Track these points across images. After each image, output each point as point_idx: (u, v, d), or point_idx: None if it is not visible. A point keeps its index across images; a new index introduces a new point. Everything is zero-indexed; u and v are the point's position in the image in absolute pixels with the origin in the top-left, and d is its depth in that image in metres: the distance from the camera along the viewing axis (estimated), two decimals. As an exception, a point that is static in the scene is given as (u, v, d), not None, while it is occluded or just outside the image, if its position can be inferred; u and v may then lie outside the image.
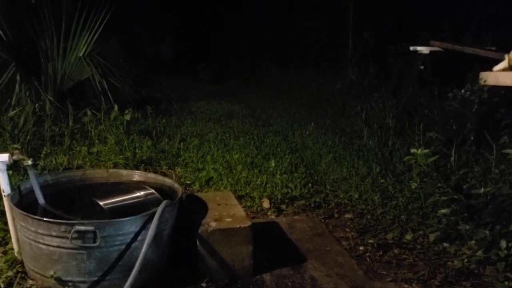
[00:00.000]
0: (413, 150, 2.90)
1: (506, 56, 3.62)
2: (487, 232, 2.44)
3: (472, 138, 3.50)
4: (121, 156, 3.84)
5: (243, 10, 10.71)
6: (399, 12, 7.09)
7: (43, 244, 1.98)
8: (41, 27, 4.86)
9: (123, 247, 2.00)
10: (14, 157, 2.19)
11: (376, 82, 5.69)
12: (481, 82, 3.59)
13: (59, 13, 4.93)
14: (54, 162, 3.64)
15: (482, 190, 2.55)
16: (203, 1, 10.96)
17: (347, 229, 2.95)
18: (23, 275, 2.16)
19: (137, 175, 2.65)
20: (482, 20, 5.87)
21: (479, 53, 4.52)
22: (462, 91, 3.63)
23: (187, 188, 3.43)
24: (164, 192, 2.43)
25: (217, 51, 10.69)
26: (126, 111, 4.64)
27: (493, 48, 4.65)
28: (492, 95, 3.59)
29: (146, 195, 2.37)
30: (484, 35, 5.37)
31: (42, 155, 3.73)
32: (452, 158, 3.37)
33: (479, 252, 2.43)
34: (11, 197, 2.17)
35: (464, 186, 2.75)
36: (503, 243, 2.36)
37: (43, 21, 4.84)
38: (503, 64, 3.63)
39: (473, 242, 2.51)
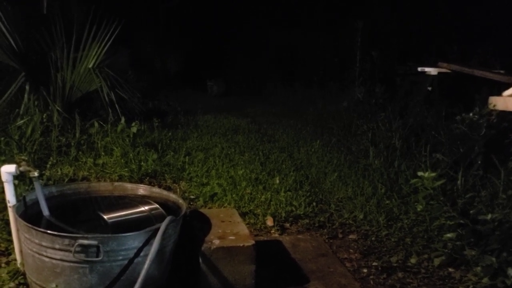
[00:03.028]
0: (420, 173, 2.89)
1: (516, 81, 3.62)
2: (493, 259, 2.41)
3: (479, 161, 3.48)
4: (126, 169, 3.84)
5: (250, 27, 10.80)
6: (407, 33, 7.13)
7: (46, 256, 1.97)
8: (52, 38, 4.91)
9: (125, 262, 1.98)
10: (21, 168, 2.20)
11: (383, 101, 5.69)
12: (491, 107, 3.58)
13: (70, 25, 4.99)
14: (59, 173, 3.65)
15: (489, 216, 2.52)
16: (212, 18, 11.06)
17: (351, 250, 2.92)
18: (25, 287, 2.15)
19: (142, 189, 2.64)
20: (488, 44, 5.89)
21: (488, 76, 4.52)
22: (470, 114, 3.61)
23: (191, 203, 3.42)
24: (168, 207, 2.42)
25: (225, 67, 10.75)
26: (133, 124, 4.65)
27: (502, 72, 4.65)
28: (501, 119, 3.57)
29: (150, 210, 2.36)
30: (490, 59, 5.39)
31: (48, 165, 3.74)
32: (459, 182, 3.34)
33: (485, 279, 2.40)
34: (16, 208, 2.17)
35: (471, 211, 2.72)
36: (510, 271, 2.33)
37: (54, 32, 4.90)
38: (513, 89, 3.62)
39: (479, 268, 2.48)
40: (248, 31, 10.77)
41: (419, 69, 5.36)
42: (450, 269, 2.66)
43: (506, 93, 3.64)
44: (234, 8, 11.01)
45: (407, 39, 7.09)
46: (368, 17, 7.47)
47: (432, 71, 5.26)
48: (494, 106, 3.57)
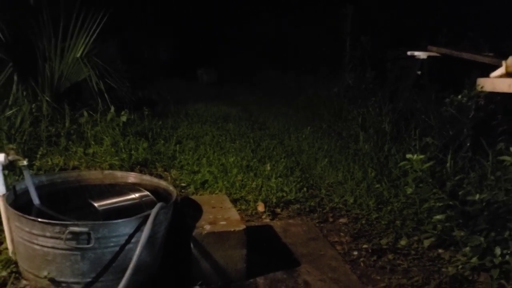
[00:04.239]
0: (409, 156, 2.91)
1: (504, 63, 3.63)
2: (482, 239, 2.45)
3: (468, 144, 3.51)
4: (116, 158, 3.83)
5: (241, 14, 10.72)
6: (397, 17, 7.12)
7: (37, 244, 1.97)
8: (39, 27, 4.84)
9: (117, 248, 1.99)
10: (10, 157, 2.19)
11: (373, 86, 5.70)
12: (478, 88, 3.61)
13: (57, 13, 4.92)
14: (50, 163, 3.64)
15: (477, 196, 2.56)
16: (202, 6, 10.96)
17: (342, 234, 2.95)
18: (17, 275, 2.16)
19: (132, 177, 2.64)
20: (479, 27, 5.91)
21: (476, 58, 4.54)
22: (459, 97, 3.64)
23: (182, 191, 3.43)
24: (159, 194, 2.43)
25: (215, 55, 10.68)
26: (123, 113, 4.63)
27: (490, 54, 4.67)
28: (489, 101, 3.60)
29: (140, 197, 2.37)
30: (481, 42, 5.40)
31: (38, 156, 3.72)
32: (448, 164, 3.37)
33: (474, 259, 2.43)
34: (6, 197, 2.16)
35: (460, 193, 2.76)
36: (498, 250, 2.36)
37: (41, 21, 4.83)
38: (500, 70, 3.64)
39: (467, 248, 2.52)
40: (239, 19, 10.70)
41: (409, 53, 5.37)
42: (439, 250, 2.70)
43: (494, 74, 3.66)
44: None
45: (398, 24, 7.08)
46: (358, 2, 7.45)
47: (421, 55, 5.27)
48: (482, 87, 3.60)
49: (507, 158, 2.66)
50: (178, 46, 11.19)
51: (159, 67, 10.02)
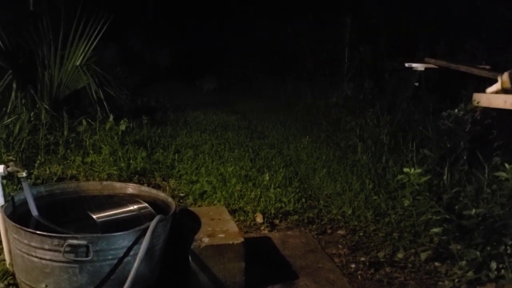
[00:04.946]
0: (406, 170, 2.93)
1: (499, 78, 3.66)
2: (477, 253, 2.46)
3: (465, 157, 3.53)
4: (115, 167, 3.84)
5: (241, 22, 10.78)
6: (395, 29, 7.17)
7: (36, 257, 1.97)
8: (39, 35, 4.87)
9: (115, 261, 2.00)
10: (9, 169, 2.20)
11: (371, 97, 5.73)
12: (474, 103, 3.63)
13: (57, 22, 4.95)
14: (48, 172, 3.65)
15: (473, 211, 2.57)
16: (202, 13, 11.01)
17: (340, 246, 2.96)
18: (14, 287, 2.15)
19: (130, 188, 2.65)
20: (476, 38, 5.95)
21: (473, 71, 4.57)
22: (456, 110, 3.66)
23: (181, 201, 3.43)
24: (158, 206, 2.43)
25: (215, 62, 10.72)
26: (122, 121, 4.64)
27: (487, 67, 4.70)
28: (485, 115, 3.63)
29: (139, 209, 2.37)
30: (478, 54, 5.44)
31: (36, 164, 3.73)
32: (445, 177, 3.39)
33: (470, 273, 2.44)
34: (4, 208, 2.17)
35: (456, 206, 2.77)
36: (494, 265, 2.38)
37: (41, 29, 4.86)
38: (496, 86, 3.67)
39: (464, 262, 2.53)
40: (240, 27, 10.75)
41: (406, 64, 5.40)
42: (436, 264, 2.71)
43: (489, 90, 3.69)
44: (225, 3, 10.97)
45: (396, 35, 7.13)
46: (357, 12, 7.50)
47: (419, 66, 5.30)
48: (478, 102, 3.62)
49: (502, 174, 2.68)
50: (178, 52, 11.23)
51: (159, 73, 10.05)
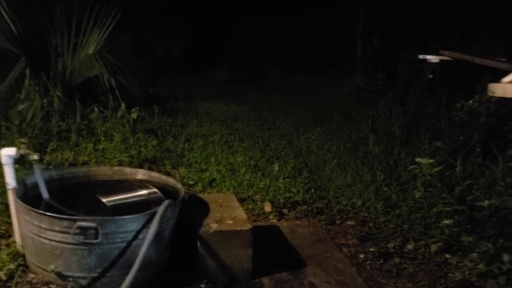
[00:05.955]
0: (418, 159, 2.89)
1: (516, 68, 3.59)
2: (489, 245, 2.43)
3: (478, 149, 3.48)
4: (126, 154, 3.85)
5: (252, 13, 10.73)
6: (409, 20, 7.07)
7: (46, 238, 1.99)
8: (52, 22, 4.88)
9: (124, 244, 2.01)
10: (21, 151, 2.22)
11: (384, 88, 5.67)
12: (490, 94, 3.57)
13: (70, 9, 4.96)
14: (60, 158, 3.67)
15: (486, 202, 2.53)
16: (215, 4, 10.97)
17: (349, 236, 2.95)
18: (24, 268, 2.18)
19: (140, 174, 2.66)
20: (492, 31, 5.85)
21: (488, 63, 4.50)
22: (470, 102, 3.60)
23: (190, 189, 3.44)
24: (167, 191, 2.44)
25: (226, 53, 10.70)
26: (133, 110, 4.65)
27: (503, 59, 4.62)
28: (500, 107, 3.57)
29: (149, 194, 2.38)
30: (494, 46, 5.34)
31: (48, 150, 3.76)
32: (458, 169, 3.35)
33: (481, 265, 2.42)
34: (16, 190, 2.19)
35: (468, 198, 2.73)
36: (506, 257, 2.34)
37: (55, 16, 4.87)
38: (512, 76, 3.61)
39: (475, 254, 2.50)
40: (251, 18, 10.70)
41: (421, 56, 5.34)
42: (446, 255, 2.68)
43: (505, 79, 3.63)
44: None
45: (410, 26, 7.03)
46: (371, 3, 7.41)
47: (433, 58, 5.23)
48: (493, 92, 3.56)
49: (517, 164, 2.64)
50: (189, 43, 11.23)
51: (170, 63, 10.06)
